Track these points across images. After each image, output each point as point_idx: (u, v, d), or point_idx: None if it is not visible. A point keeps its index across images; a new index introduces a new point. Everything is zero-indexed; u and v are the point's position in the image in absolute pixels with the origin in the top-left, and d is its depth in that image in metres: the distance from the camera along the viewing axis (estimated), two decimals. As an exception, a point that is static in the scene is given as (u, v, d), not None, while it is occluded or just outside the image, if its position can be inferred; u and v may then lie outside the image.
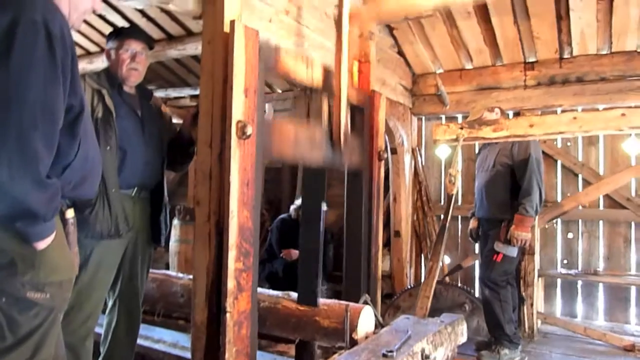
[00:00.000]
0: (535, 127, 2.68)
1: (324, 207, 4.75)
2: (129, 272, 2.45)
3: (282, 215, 5.06)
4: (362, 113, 2.88)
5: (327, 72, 2.53)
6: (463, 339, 2.46)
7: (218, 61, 2.03)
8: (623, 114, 2.53)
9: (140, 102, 2.51)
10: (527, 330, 4.13)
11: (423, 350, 2.02)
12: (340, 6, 2.44)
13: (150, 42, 2.57)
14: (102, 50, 2.62)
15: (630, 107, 3.19)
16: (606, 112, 2.84)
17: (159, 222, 2.52)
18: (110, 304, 2.50)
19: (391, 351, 1.87)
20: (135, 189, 2.39)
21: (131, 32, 2.53)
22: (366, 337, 2.28)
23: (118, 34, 2.48)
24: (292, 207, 4.88)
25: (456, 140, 2.84)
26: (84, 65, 4.65)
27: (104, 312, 2.49)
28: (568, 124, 2.65)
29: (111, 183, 2.21)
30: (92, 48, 4.80)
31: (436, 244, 2.94)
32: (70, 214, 1.56)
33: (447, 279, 4.54)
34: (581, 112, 3.01)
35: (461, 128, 2.82)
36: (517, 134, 2.76)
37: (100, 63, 4.46)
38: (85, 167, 1.51)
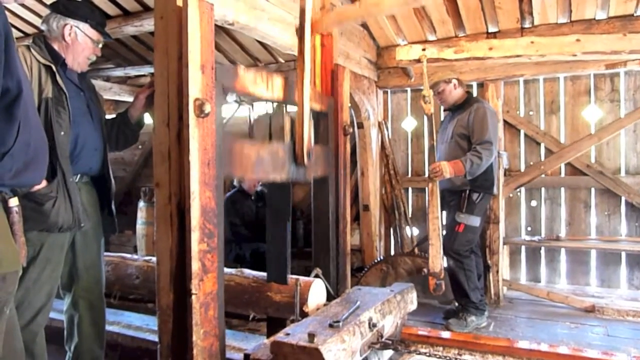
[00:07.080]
0: (494, 50, 2.73)
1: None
2: (86, 263, 2.36)
3: (230, 192, 4.91)
4: (326, 117, 2.82)
5: (287, 84, 2.40)
6: (413, 306, 2.50)
7: (172, 37, 1.94)
8: (578, 40, 2.60)
9: (80, 80, 2.39)
10: (493, 296, 4.26)
11: (370, 319, 2.03)
12: (302, 19, 2.30)
13: None
14: (40, 32, 2.40)
15: (584, 34, 3.22)
16: (562, 38, 2.91)
17: (110, 209, 2.43)
18: (68, 301, 2.40)
19: (337, 321, 1.88)
20: (79, 175, 2.28)
21: (105, 26, 2.44)
22: (317, 309, 2.29)
23: (102, 24, 2.37)
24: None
25: (419, 61, 2.86)
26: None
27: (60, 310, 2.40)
28: (525, 48, 2.72)
29: (68, 171, 2.09)
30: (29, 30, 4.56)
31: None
32: (13, 202, 1.47)
33: (415, 250, 4.61)
34: (538, 37, 3.08)
35: (424, 49, 2.83)
36: (477, 56, 2.79)
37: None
38: (28, 154, 1.42)
